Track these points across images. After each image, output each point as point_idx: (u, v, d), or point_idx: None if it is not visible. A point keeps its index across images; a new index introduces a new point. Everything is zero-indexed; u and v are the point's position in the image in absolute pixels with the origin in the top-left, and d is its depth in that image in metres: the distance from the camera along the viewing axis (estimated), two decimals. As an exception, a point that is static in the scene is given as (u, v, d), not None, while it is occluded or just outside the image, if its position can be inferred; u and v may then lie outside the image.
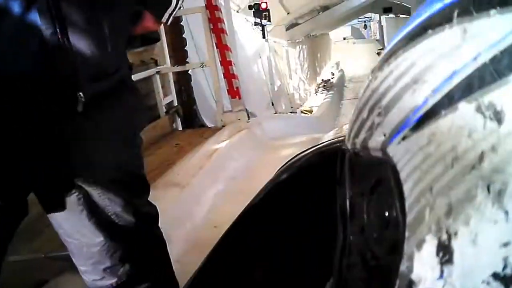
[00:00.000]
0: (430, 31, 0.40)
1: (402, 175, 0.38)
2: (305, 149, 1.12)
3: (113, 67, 1.07)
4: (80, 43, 0.95)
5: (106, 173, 1.09)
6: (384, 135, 0.41)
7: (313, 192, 1.17)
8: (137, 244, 1.19)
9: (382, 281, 0.41)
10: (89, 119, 1.03)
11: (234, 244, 1.15)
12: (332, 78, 14.01)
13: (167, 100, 4.58)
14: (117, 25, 1.02)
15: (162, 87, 4.47)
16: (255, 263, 1.29)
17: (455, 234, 0.34)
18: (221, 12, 4.41)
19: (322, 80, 13.72)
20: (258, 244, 1.24)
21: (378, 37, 27.80)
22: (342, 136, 1.03)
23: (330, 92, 11.87)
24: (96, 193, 1.08)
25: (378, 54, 14.84)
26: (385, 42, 21.31)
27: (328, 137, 1.23)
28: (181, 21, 4.99)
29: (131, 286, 1.20)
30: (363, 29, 32.51)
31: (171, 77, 4.69)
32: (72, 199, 1.07)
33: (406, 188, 0.37)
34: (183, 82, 5.07)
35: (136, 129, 1.21)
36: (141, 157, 1.23)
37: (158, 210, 2.15)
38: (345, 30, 28.83)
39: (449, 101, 0.36)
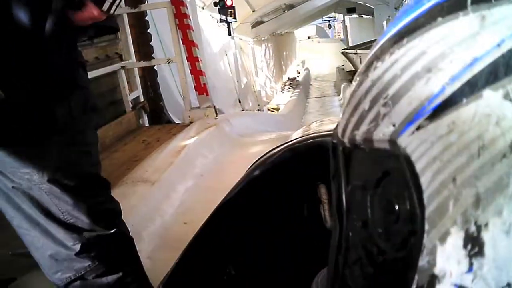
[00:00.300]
0: (440, 19, 0.39)
1: (418, 166, 0.36)
2: (275, 146, 1.12)
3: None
4: None
5: (45, 174, 1.10)
6: (394, 126, 0.39)
7: (285, 188, 1.16)
8: (96, 241, 1.18)
9: (394, 277, 0.40)
10: None
11: (209, 240, 1.14)
12: (298, 76, 14.12)
13: (133, 95, 4.50)
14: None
15: (127, 82, 4.39)
16: (229, 259, 1.28)
17: (486, 225, 0.33)
18: (187, 8, 4.36)
19: (288, 78, 13.81)
20: (232, 240, 1.23)
21: (342, 36, 28.20)
22: (312, 134, 1.04)
23: (296, 90, 11.95)
24: (37, 191, 1.11)
25: (343, 53, 15.05)
26: (349, 42, 21.63)
27: (296, 134, 1.23)
28: (146, 16, 4.91)
29: (91, 279, 1.21)
30: (328, 29, 32.89)
31: (136, 72, 4.61)
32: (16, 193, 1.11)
33: (424, 179, 0.36)
34: (149, 77, 4.99)
35: (86, 128, 1.20)
36: (91, 155, 1.22)
37: (128, 206, 2.11)
38: (310, 29, 29.10)
39: (471, 88, 0.35)
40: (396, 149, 0.38)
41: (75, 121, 1.14)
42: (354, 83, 0.49)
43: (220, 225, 1.15)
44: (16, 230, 1.18)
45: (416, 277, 0.36)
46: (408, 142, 0.38)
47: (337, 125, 0.52)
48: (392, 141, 0.39)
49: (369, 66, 0.46)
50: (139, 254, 1.38)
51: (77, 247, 1.16)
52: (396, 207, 0.39)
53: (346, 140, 0.47)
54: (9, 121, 1.04)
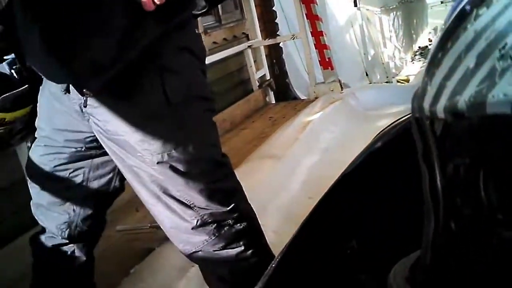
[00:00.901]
0: None
1: None
2: (400, 117, 1.06)
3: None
4: None
5: (154, 157, 1.15)
6: None
7: (408, 160, 1.10)
8: (212, 217, 1.23)
9: None
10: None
11: (328, 213, 1.12)
12: (429, 44, 13.27)
13: (260, 74, 4.60)
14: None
15: (254, 61, 4.50)
16: (348, 233, 1.26)
17: None
18: (311, -18, 4.31)
19: (419, 47, 13.04)
20: (351, 214, 1.20)
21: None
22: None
23: (428, 60, 11.25)
24: (152, 171, 1.17)
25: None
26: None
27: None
28: (271, -6, 4.96)
29: (211, 251, 1.26)
30: (464, -10, 30.23)
31: (262, 51, 4.70)
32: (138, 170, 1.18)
33: None
34: (275, 55, 5.06)
35: (191, 114, 1.19)
36: (201, 138, 1.21)
37: (255, 181, 2.17)
38: (443, -8, 27.05)
39: None
40: None
41: (175, 107, 1.14)
42: (441, 41, 0.42)
43: (341, 198, 1.14)
44: (144, 203, 1.26)
45: None
46: None
47: (418, 96, 0.45)
48: None
49: (464, 15, 0.39)
50: (264, 228, 1.40)
51: (194, 222, 1.21)
52: None
53: (438, 110, 0.41)
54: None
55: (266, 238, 1.40)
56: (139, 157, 1.15)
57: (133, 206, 2.28)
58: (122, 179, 1.35)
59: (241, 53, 4.38)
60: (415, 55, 12.56)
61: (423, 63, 11.03)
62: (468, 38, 0.38)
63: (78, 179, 1.32)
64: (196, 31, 1.24)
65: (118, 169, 1.28)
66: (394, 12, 11.88)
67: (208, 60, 3.74)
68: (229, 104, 4.04)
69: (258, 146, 3.08)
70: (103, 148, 1.23)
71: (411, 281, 0.49)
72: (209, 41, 3.92)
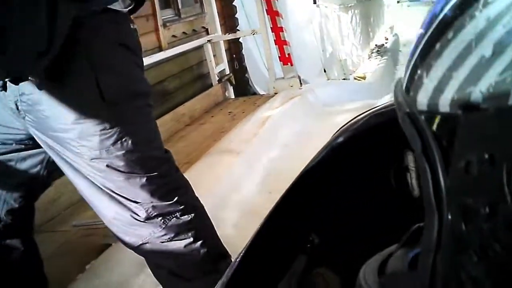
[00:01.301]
0: None
1: None
2: (361, 113, 1.08)
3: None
4: None
5: (90, 153, 1.15)
6: None
7: (370, 155, 1.13)
8: (157, 211, 1.23)
9: None
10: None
11: (290, 208, 1.13)
12: (386, 43, 13.57)
13: (219, 68, 4.58)
14: None
15: (213, 55, 4.48)
16: (312, 228, 1.28)
17: None
18: (271, -22, 4.32)
19: (376, 45, 13.30)
20: (315, 208, 1.22)
21: (434, -2, 26.41)
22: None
23: (384, 58, 11.50)
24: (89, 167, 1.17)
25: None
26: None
27: (383, 102, 1.16)
28: (231, -11, 4.94)
29: (158, 243, 1.25)
30: (419, -9, 31.13)
31: (222, 45, 4.68)
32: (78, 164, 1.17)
33: None
34: (235, 50, 5.05)
35: (127, 110, 1.19)
36: (136, 135, 1.20)
37: (214, 176, 2.16)
38: (399, -8, 27.66)
39: None
40: None
41: (111, 104, 1.13)
42: (436, 31, 0.39)
43: (302, 193, 1.15)
44: (84, 198, 1.26)
45: None
46: None
47: (407, 91, 0.43)
48: None
49: (468, 3, 0.36)
50: (223, 223, 1.41)
51: (140, 214, 1.21)
52: None
53: (442, 104, 0.37)
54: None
55: (226, 232, 1.40)
56: (76, 153, 1.15)
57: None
58: (50, 172, 1.34)
59: (200, 48, 4.35)
60: (372, 52, 12.81)
61: (380, 61, 11.27)
62: (479, 26, 0.35)
63: (2, 171, 1.29)
64: (132, 26, 1.22)
65: (46, 162, 1.28)
66: (352, 10, 12.07)
67: (167, 53, 3.73)
68: (188, 98, 4.01)
69: (218, 141, 3.08)
70: (33, 144, 1.22)
71: (385, 286, 0.48)
72: (168, 35, 3.87)
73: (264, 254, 1.06)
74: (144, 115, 1.22)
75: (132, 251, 1.34)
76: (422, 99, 0.39)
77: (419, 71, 0.41)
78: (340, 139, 1.10)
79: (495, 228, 0.33)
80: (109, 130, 1.13)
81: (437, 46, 0.38)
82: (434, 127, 0.39)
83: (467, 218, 0.35)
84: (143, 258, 1.40)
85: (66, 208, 2.44)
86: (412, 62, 0.42)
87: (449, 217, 0.37)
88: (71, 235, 2.15)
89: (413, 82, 0.41)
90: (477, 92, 0.33)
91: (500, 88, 0.32)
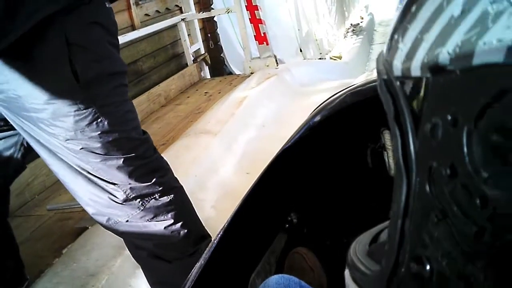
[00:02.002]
0: None
1: None
2: (337, 92, 1.07)
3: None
4: None
5: (67, 134, 1.13)
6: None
7: (347, 134, 1.13)
8: (135, 193, 1.22)
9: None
10: None
11: (268, 188, 1.13)
12: (361, 22, 13.58)
13: (194, 48, 4.52)
14: None
15: (188, 35, 4.41)
16: (291, 207, 1.28)
17: None
18: (246, -45, 4.25)
19: (351, 24, 13.30)
20: (293, 188, 1.22)
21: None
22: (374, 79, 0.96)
23: (359, 37, 11.53)
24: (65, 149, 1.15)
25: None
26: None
27: (359, 81, 1.16)
28: (205, -34, 4.85)
29: (139, 224, 1.25)
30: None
31: (196, 24, 4.61)
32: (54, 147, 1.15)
33: None
34: (209, 29, 4.98)
35: (101, 90, 1.16)
36: (112, 115, 1.18)
37: (191, 157, 2.14)
38: (373, -30, 27.67)
39: None
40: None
41: (86, 83, 1.10)
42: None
43: (280, 173, 1.14)
44: (60, 180, 1.24)
45: None
46: None
47: (386, 57, 0.42)
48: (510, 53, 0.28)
49: None
50: (202, 204, 1.41)
51: (119, 196, 1.20)
52: None
53: (413, 67, 0.37)
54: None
55: (205, 213, 1.40)
56: (51, 134, 1.12)
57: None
58: (24, 154, 1.31)
59: (174, 26, 4.27)
60: (347, 32, 12.83)
61: (355, 40, 11.30)
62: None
63: None
64: (107, 5, 1.18)
65: (20, 144, 1.26)
66: (327, -11, 12.01)
67: (140, 32, 3.65)
68: (163, 79, 3.95)
69: (194, 122, 3.05)
70: (6, 126, 1.20)
71: (373, 255, 0.48)
72: (141, 13, 3.78)
73: (243, 234, 1.05)
74: (119, 95, 1.19)
75: (110, 233, 1.33)
76: (397, 64, 0.39)
77: (395, 36, 0.40)
78: (317, 118, 1.09)
79: (454, 191, 0.33)
80: (84, 111, 1.10)
81: (413, 8, 0.38)
82: (407, 92, 0.39)
83: (432, 181, 0.36)
84: (120, 240, 1.39)
85: (40, 192, 2.39)
86: (392, 27, 0.42)
87: (417, 180, 0.37)
88: (46, 219, 2.11)
89: (391, 48, 0.41)
90: (445, 53, 0.33)
91: (465, 48, 0.31)
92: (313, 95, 3.79)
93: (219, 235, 0.91)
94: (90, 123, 1.11)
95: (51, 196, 2.33)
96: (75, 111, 1.10)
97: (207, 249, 0.88)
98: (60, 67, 1.07)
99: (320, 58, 8.45)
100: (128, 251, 1.41)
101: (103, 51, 1.15)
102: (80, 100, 1.10)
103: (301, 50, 7.80)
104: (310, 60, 7.25)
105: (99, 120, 1.12)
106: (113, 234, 1.32)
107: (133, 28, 3.64)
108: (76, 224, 1.98)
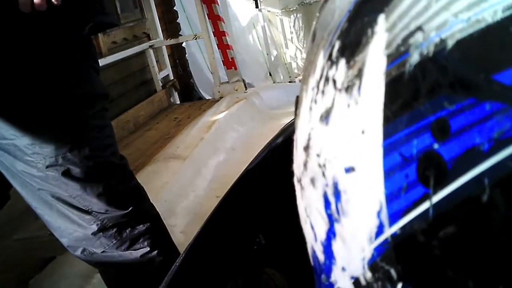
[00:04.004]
0: None
1: None
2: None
3: None
4: None
5: (46, 160, 1.10)
6: None
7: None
8: (113, 221, 1.20)
9: None
10: None
11: (232, 209, 1.13)
12: (328, 45, 13.82)
13: (163, 74, 4.54)
14: None
15: (156, 61, 4.42)
16: (258, 228, 1.28)
17: None
18: (212, -18, 4.32)
19: (319, 48, 13.49)
20: (259, 209, 1.23)
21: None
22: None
23: (327, 60, 11.70)
24: (45, 177, 1.11)
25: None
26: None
27: None
28: (172, -6, 4.91)
29: (114, 254, 1.22)
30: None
31: (165, 51, 4.63)
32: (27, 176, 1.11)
33: None
34: (178, 55, 5.02)
35: (86, 115, 1.15)
36: (95, 140, 1.17)
37: (161, 183, 2.13)
38: (339, -4, 28.28)
39: None
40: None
41: (68, 107, 1.09)
42: None
43: (244, 194, 1.15)
44: (34, 211, 1.20)
45: None
46: None
47: None
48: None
49: None
50: (172, 229, 1.39)
51: (93, 227, 1.17)
52: None
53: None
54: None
55: (175, 239, 1.39)
56: (28, 162, 1.08)
57: (32, 214, 2.14)
58: (7, 187, 1.26)
59: (142, 53, 4.29)
60: (315, 55, 12.95)
61: (323, 63, 11.42)
62: None
63: None
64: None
65: (1, 178, 1.21)
66: (295, 14, 12.25)
67: (108, 60, 3.65)
68: (132, 105, 3.94)
69: (163, 147, 3.04)
70: None
71: None
72: (108, 41, 3.79)
73: (207, 255, 1.05)
74: (101, 119, 1.17)
75: (78, 263, 1.30)
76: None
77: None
78: (279, 140, 1.11)
79: None
80: (66, 135, 1.08)
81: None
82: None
83: None
84: (88, 269, 1.37)
85: (8, 222, 2.34)
86: None
87: None
88: (13, 250, 2.06)
89: None
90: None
91: None
92: (282, 118, 3.83)
93: (181, 258, 0.91)
94: (72, 148, 1.09)
95: (18, 227, 2.28)
96: (57, 136, 1.07)
97: (169, 272, 0.88)
98: (41, 92, 1.05)
99: (290, 81, 8.57)
100: (98, 279, 1.39)
101: (86, 73, 1.14)
102: (61, 124, 1.08)
103: (270, 74, 7.90)
104: (280, 83, 7.35)
105: (82, 144, 1.10)
106: (81, 262, 1.30)
107: (100, 55, 3.64)
108: (44, 254, 1.93)
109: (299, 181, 0.43)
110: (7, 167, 1.12)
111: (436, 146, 0.29)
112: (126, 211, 1.20)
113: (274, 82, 7.54)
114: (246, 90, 4.34)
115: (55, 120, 1.07)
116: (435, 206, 0.29)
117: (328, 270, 0.41)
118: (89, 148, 1.11)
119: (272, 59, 8.70)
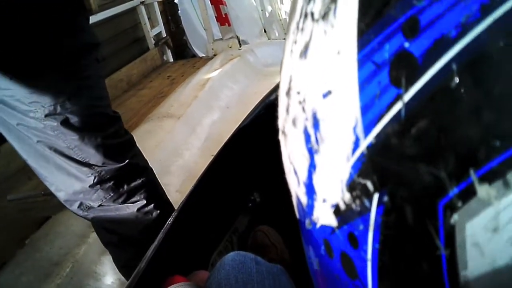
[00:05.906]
0: None
1: None
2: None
3: None
4: None
5: (46, 109, 1.08)
6: None
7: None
8: (109, 174, 1.19)
9: None
10: None
11: (226, 166, 1.13)
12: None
13: (155, 31, 4.45)
14: None
15: (148, 18, 4.33)
16: (252, 186, 1.28)
17: None
18: None
19: (314, 3, 13.26)
20: (253, 167, 1.22)
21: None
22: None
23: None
24: (42, 127, 1.10)
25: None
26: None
27: None
28: None
29: (111, 207, 1.23)
30: None
31: (156, 7, 4.53)
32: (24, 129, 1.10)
33: None
34: (170, 12, 4.91)
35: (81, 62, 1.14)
36: (93, 89, 1.16)
37: (155, 142, 2.12)
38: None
39: None
40: None
41: (62, 56, 1.07)
42: None
43: (238, 152, 1.14)
44: (30, 167, 1.19)
45: None
46: None
47: None
48: None
49: None
50: (167, 188, 1.39)
51: (91, 179, 1.17)
52: None
53: None
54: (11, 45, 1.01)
55: (170, 198, 1.39)
56: (27, 112, 1.07)
57: (25, 174, 2.14)
58: None
59: (134, 10, 4.19)
60: (311, 11, 12.75)
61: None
62: None
63: None
64: None
65: None
66: (289, -32, 11.93)
67: (99, 17, 3.56)
68: (124, 64, 3.88)
69: (157, 106, 3.01)
70: None
71: None
72: (98, -3, 3.69)
73: (202, 213, 1.05)
74: (97, 69, 1.16)
75: (73, 222, 1.31)
76: None
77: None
78: (273, 96, 1.09)
79: None
80: (64, 84, 1.07)
81: None
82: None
83: None
84: (84, 228, 1.37)
85: (0, 183, 2.33)
86: None
87: None
88: (7, 211, 2.06)
89: None
90: None
91: None
92: (277, 75, 3.76)
93: (175, 214, 0.91)
94: (70, 97, 1.07)
95: (12, 187, 2.27)
96: (56, 83, 1.06)
97: (164, 227, 0.87)
98: (41, 41, 1.03)
99: (284, 38, 8.42)
100: (93, 238, 1.39)
101: (80, 23, 1.12)
102: (60, 72, 1.06)
103: (265, 31, 7.76)
104: (275, 40, 7.23)
105: (79, 93, 1.09)
106: (76, 221, 1.30)
107: (90, 12, 3.54)
108: (38, 214, 1.94)
109: (283, 131, 0.43)
110: (3, 120, 1.11)
111: (407, 44, 0.29)
112: (122, 164, 1.20)
113: (269, 39, 7.42)
114: (240, 47, 4.27)
115: (53, 68, 1.06)
116: (408, 105, 0.30)
117: (310, 209, 0.41)
118: (87, 97, 1.11)
119: (267, 15, 8.52)
